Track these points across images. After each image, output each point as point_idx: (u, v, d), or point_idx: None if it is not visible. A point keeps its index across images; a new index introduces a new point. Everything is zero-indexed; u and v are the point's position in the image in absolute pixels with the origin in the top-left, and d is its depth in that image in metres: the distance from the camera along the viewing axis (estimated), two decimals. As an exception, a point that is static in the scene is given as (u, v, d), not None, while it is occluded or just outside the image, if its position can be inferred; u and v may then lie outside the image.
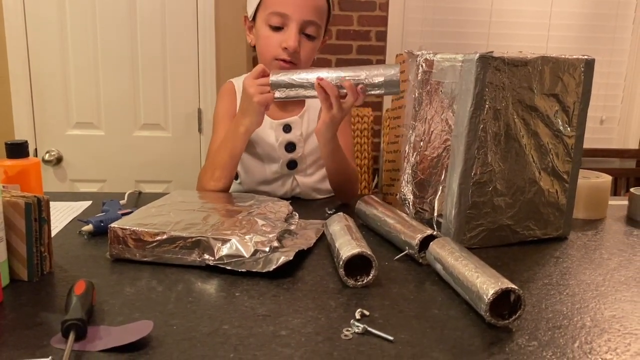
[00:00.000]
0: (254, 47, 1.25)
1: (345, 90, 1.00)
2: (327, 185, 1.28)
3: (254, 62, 2.48)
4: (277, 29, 1.16)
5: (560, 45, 2.67)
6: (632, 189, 1.13)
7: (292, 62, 1.17)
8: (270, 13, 1.15)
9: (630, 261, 0.87)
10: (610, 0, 2.65)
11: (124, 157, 2.17)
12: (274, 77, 1.03)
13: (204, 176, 1.17)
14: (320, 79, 1.00)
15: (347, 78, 1.00)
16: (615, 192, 2.71)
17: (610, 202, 1.15)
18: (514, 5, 2.63)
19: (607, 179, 1.12)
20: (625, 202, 1.17)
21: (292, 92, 1.03)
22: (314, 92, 1.02)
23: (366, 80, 0.99)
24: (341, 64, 2.62)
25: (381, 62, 2.65)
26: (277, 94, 1.04)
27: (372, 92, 1.01)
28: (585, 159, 2.67)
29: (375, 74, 0.99)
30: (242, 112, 1.10)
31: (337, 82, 1.00)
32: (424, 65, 0.96)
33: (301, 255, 0.84)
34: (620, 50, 2.71)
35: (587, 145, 2.97)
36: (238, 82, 1.30)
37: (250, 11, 1.22)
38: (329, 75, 1.01)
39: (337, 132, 1.12)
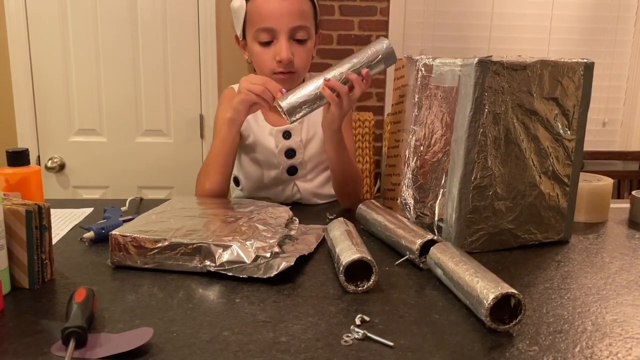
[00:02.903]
0: (251, 63, 1.25)
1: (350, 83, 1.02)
2: (327, 190, 1.29)
3: (256, 67, 2.49)
4: (267, 43, 1.16)
5: (562, 48, 2.67)
6: (634, 192, 1.13)
7: (291, 72, 1.18)
8: (256, 30, 1.16)
9: (632, 264, 0.87)
10: (611, 3, 2.65)
11: (127, 164, 2.18)
12: (284, 103, 1.00)
13: (200, 178, 1.17)
14: (327, 80, 1.00)
15: (350, 71, 1.01)
16: (618, 195, 2.70)
17: (612, 205, 1.15)
18: (515, 9, 2.64)
19: (608, 182, 1.11)
20: (628, 205, 1.17)
21: (307, 110, 1.02)
22: (324, 101, 1.02)
23: (365, 64, 1.02)
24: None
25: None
26: (294, 118, 1.01)
27: (375, 71, 1.03)
28: (588, 162, 2.66)
29: (370, 54, 1.02)
30: (232, 104, 1.10)
31: (342, 78, 1.01)
32: (423, 69, 0.96)
33: (302, 261, 0.84)
34: (621, 53, 2.71)
35: (589, 147, 2.93)
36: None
37: (238, 31, 1.23)
38: (333, 75, 1.02)
39: None
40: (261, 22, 1.15)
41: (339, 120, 1.07)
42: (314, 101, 1.01)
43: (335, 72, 1.02)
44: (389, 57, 1.03)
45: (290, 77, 1.18)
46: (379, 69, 1.03)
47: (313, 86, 1.01)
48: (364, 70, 1.01)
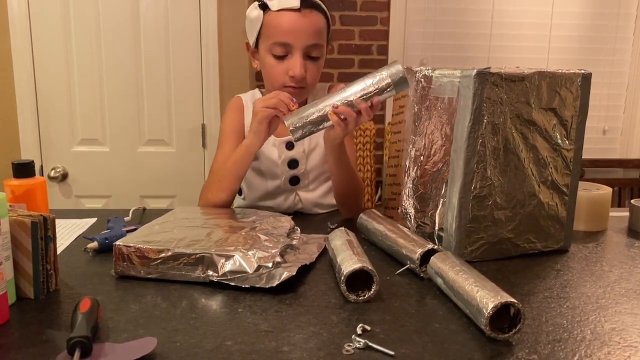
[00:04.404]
0: (259, 71, 1.26)
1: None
2: (329, 200, 1.29)
3: (257, 77, 2.51)
4: (281, 57, 1.17)
5: (561, 57, 2.68)
6: (632, 201, 1.14)
7: (301, 87, 1.19)
8: (272, 43, 1.17)
9: (631, 273, 0.87)
10: (610, 12, 2.67)
11: (129, 173, 2.19)
12: (289, 123, 1.01)
13: (206, 188, 1.18)
14: (335, 107, 1.00)
15: (361, 99, 1.00)
16: (619, 203, 2.71)
17: (611, 214, 1.16)
18: (515, 18, 2.66)
19: (607, 191, 1.12)
20: (627, 214, 1.17)
21: (312, 130, 1.02)
22: (329, 123, 1.02)
23: (376, 91, 1.00)
24: (343, 78, 2.64)
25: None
26: (297, 136, 1.02)
27: (385, 97, 1.01)
28: (588, 170, 2.67)
29: (382, 81, 0.99)
30: (250, 128, 1.12)
31: (350, 103, 1.00)
32: (422, 81, 0.97)
33: (303, 270, 0.84)
34: (621, 61, 2.72)
35: (589, 155, 2.92)
36: (246, 98, 1.32)
37: (251, 40, 1.23)
38: (342, 98, 1.01)
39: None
40: (278, 36, 1.16)
41: (341, 139, 1.08)
42: (320, 122, 1.02)
43: (346, 95, 1.01)
44: (401, 84, 1.00)
45: (300, 91, 1.20)
46: (389, 95, 1.01)
47: (321, 107, 1.01)
48: (375, 100, 1.00)
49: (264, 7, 1.17)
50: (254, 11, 1.19)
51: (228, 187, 1.15)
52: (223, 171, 1.15)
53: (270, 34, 1.17)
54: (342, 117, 1.01)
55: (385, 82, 1.00)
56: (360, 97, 1.00)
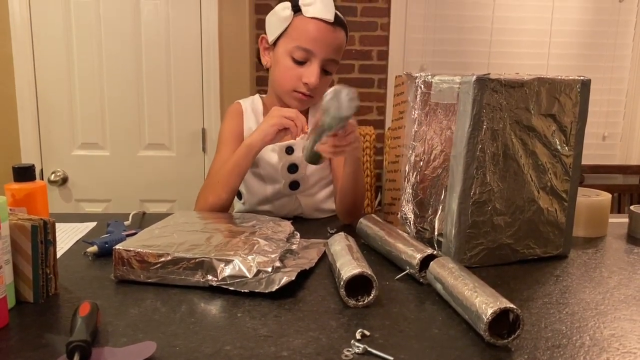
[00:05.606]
0: (268, 69, 1.27)
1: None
2: (329, 205, 1.30)
3: (257, 82, 2.51)
4: (299, 62, 1.18)
5: (561, 63, 2.69)
6: (632, 207, 1.14)
7: (310, 96, 1.21)
8: (295, 46, 1.17)
9: (630, 279, 0.88)
10: (610, 19, 2.68)
11: (129, 177, 2.19)
12: (303, 157, 1.07)
13: (205, 191, 1.18)
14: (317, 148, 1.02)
15: (320, 141, 1.01)
16: (619, 209, 2.71)
17: (610, 220, 1.16)
18: (515, 24, 2.67)
19: (606, 197, 1.12)
20: (626, 220, 1.18)
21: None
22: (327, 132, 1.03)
23: (329, 130, 0.99)
24: (343, 82, 2.64)
25: (383, 80, 2.67)
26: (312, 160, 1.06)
27: (338, 128, 0.99)
28: (588, 176, 2.67)
29: (323, 121, 0.99)
30: (257, 128, 1.13)
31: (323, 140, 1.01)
32: (422, 86, 0.98)
33: (303, 275, 0.84)
34: (621, 67, 2.73)
35: (589, 161, 2.94)
36: (245, 104, 1.32)
37: (271, 37, 1.23)
38: (316, 140, 1.02)
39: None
40: (303, 41, 1.17)
41: (352, 155, 1.10)
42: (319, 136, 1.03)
43: (316, 137, 1.01)
44: (339, 121, 0.97)
45: (308, 100, 1.22)
46: (341, 126, 0.99)
47: (310, 146, 1.03)
48: (333, 137, 1.00)
49: (297, 10, 1.18)
50: (286, 10, 1.19)
51: (229, 185, 1.14)
52: (223, 172, 1.15)
53: (296, 36, 1.18)
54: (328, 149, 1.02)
55: (328, 120, 0.98)
56: (323, 136, 1.00)
